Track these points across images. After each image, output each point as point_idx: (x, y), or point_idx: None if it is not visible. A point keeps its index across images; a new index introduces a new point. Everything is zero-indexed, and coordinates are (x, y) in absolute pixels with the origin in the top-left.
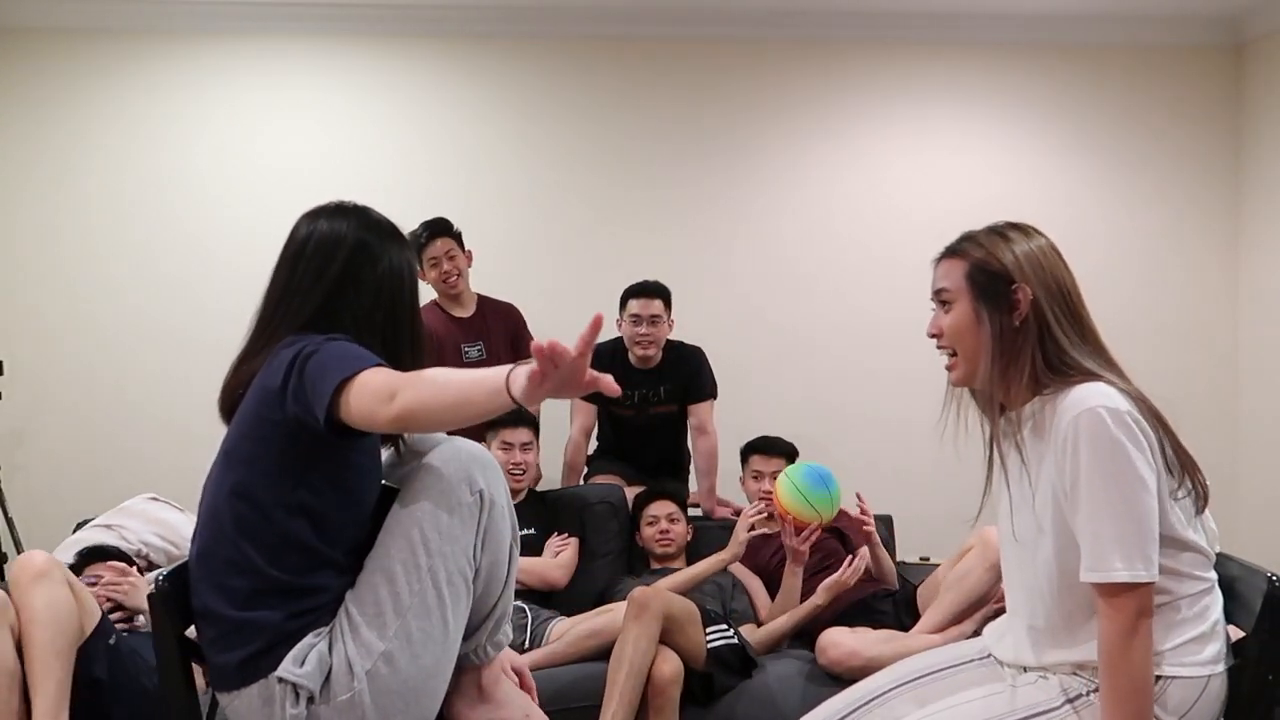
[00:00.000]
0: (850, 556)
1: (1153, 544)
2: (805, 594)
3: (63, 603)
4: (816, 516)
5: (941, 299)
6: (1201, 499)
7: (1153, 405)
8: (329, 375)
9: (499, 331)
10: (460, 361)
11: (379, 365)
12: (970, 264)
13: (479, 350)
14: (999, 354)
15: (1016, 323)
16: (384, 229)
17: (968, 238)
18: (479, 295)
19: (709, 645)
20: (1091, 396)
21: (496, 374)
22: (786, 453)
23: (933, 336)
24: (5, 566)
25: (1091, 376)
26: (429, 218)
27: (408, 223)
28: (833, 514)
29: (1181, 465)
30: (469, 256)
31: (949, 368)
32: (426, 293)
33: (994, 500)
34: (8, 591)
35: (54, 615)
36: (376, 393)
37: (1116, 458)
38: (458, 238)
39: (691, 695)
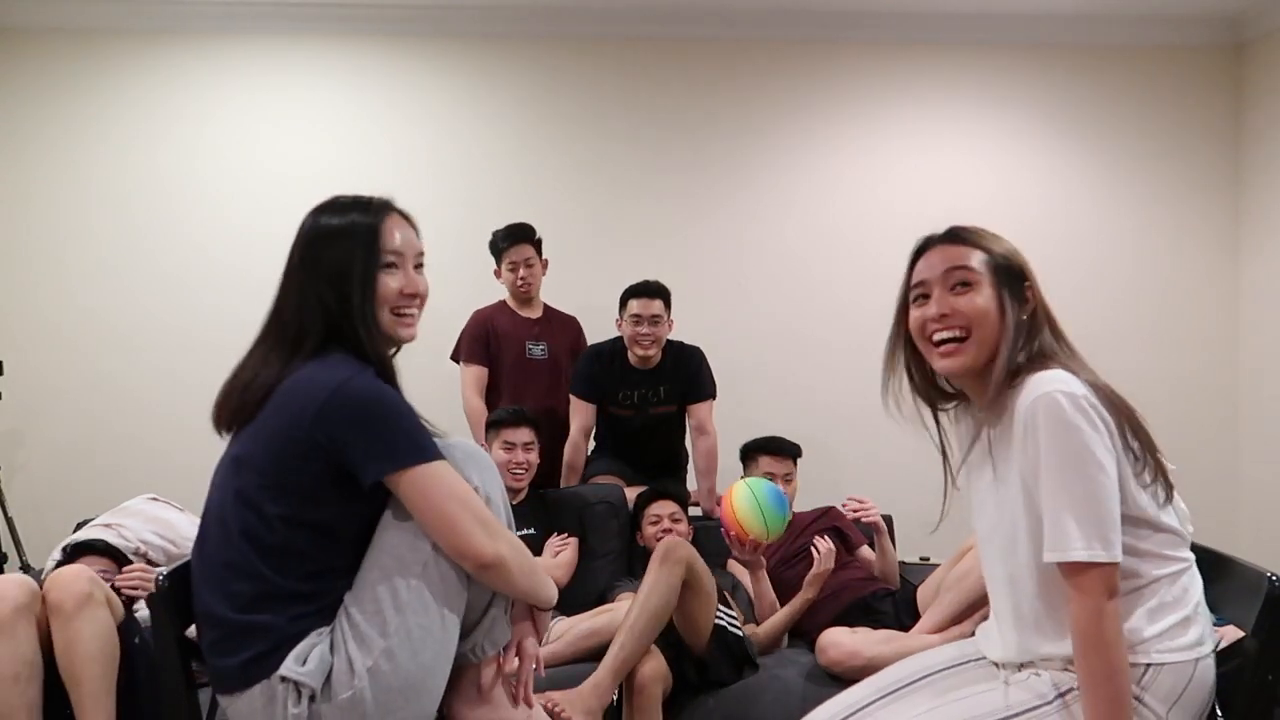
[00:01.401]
0: (819, 543)
1: (1111, 525)
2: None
3: (109, 633)
4: (763, 533)
5: (961, 279)
6: (1165, 481)
7: (1113, 392)
8: (397, 454)
9: (562, 339)
10: (524, 357)
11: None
12: (991, 254)
13: (543, 349)
14: (1016, 347)
15: (1024, 316)
16: (339, 204)
17: (969, 229)
18: (544, 303)
19: (716, 622)
20: (1047, 382)
21: None
22: (794, 454)
23: (943, 317)
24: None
25: (1052, 362)
26: (515, 222)
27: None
28: (773, 538)
29: (1143, 447)
30: (545, 265)
31: (951, 353)
32: (494, 291)
33: (967, 498)
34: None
35: (102, 648)
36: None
37: (1072, 440)
38: (538, 245)
39: (684, 680)
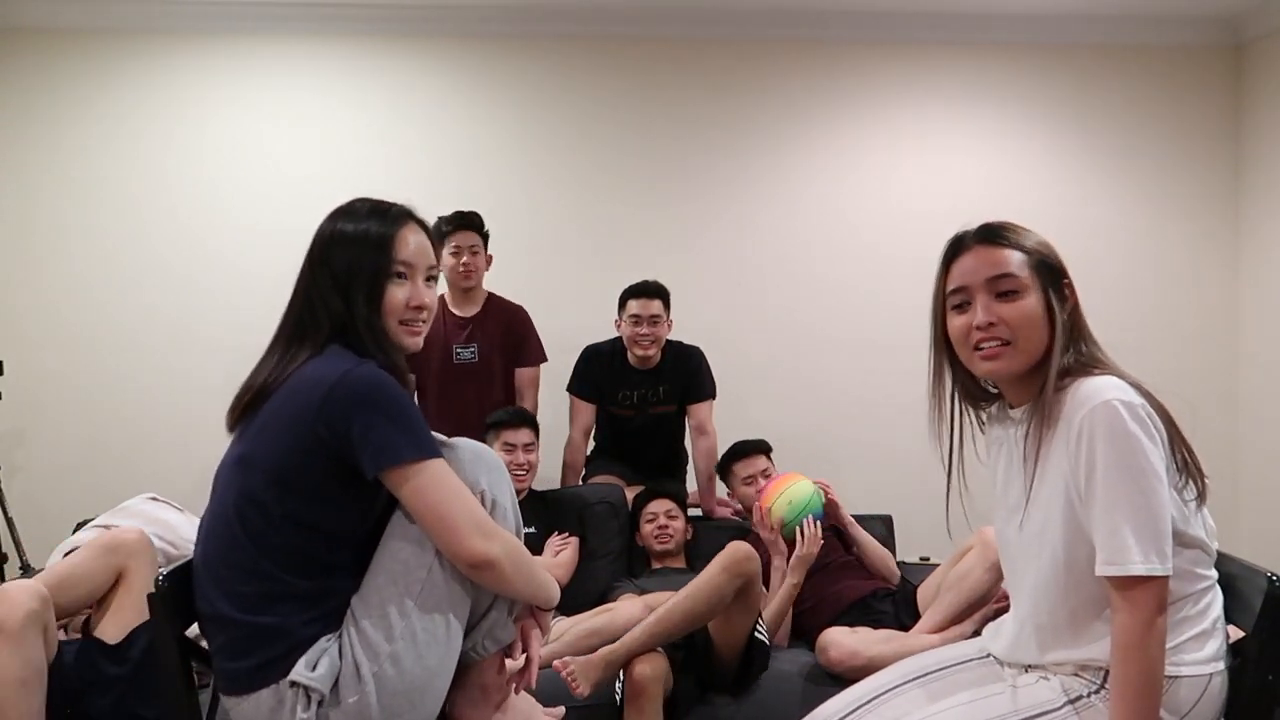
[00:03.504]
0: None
1: (1166, 538)
2: (807, 594)
3: (41, 660)
4: (779, 522)
5: (1008, 287)
6: (1201, 494)
7: (1156, 399)
8: (397, 447)
9: (497, 335)
10: (450, 361)
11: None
12: (1031, 255)
13: (471, 352)
14: (1066, 348)
15: (1067, 315)
16: (358, 209)
17: (1003, 227)
18: (489, 294)
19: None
20: (1106, 389)
21: None
22: (762, 449)
23: (990, 326)
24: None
25: (1102, 369)
26: (456, 210)
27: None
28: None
29: (1186, 459)
30: (489, 260)
31: (994, 355)
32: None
33: (994, 498)
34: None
35: (37, 676)
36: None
37: (1133, 451)
38: (485, 236)
39: (702, 682)
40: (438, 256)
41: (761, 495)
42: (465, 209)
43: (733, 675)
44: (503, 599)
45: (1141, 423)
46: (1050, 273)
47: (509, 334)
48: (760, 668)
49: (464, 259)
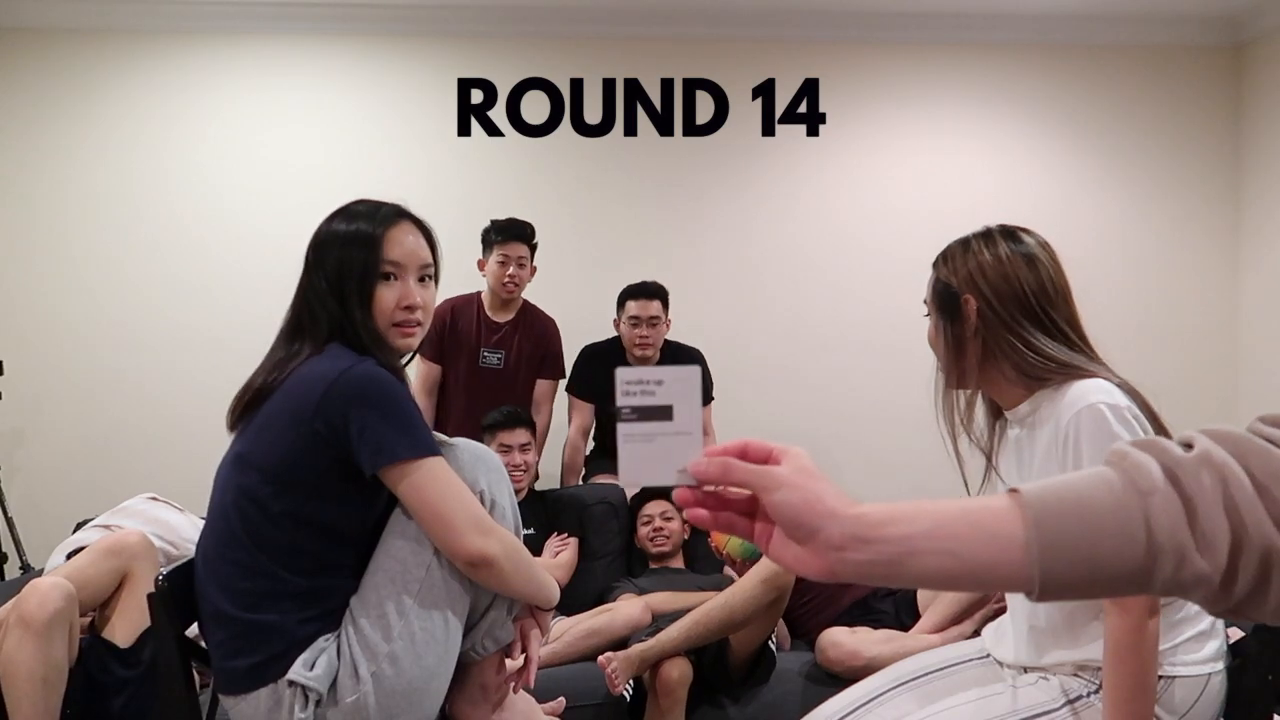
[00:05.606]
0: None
1: None
2: (806, 594)
3: (64, 659)
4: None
5: (925, 311)
6: None
7: (1145, 399)
8: (395, 445)
9: (528, 345)
10: (476, 365)
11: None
12: (934, 280)
13: (498, 358)
14: (955, 361)
15: (969, 333)
16: (351, 210)
17: (942, 254)
18: (525, 302)
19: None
20: (1092, 392)
21: None
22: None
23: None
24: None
25: (1086, 372)
26: (509, 218)
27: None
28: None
29: None
30: (533, 271)
31: (939, 370)
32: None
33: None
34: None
35: (58, 675)
36: (475, 524)
37: None
38: (534, 248)
39: (717, 684)
40: (435, 256)
41: (714, 536)
42: (519, 218)
43: (739, 679)
44: (502, 598)
45: (1127, 424)
46: (943, 298)
47: (538, 344)
48: (766, 674)
49: (510, 270)
